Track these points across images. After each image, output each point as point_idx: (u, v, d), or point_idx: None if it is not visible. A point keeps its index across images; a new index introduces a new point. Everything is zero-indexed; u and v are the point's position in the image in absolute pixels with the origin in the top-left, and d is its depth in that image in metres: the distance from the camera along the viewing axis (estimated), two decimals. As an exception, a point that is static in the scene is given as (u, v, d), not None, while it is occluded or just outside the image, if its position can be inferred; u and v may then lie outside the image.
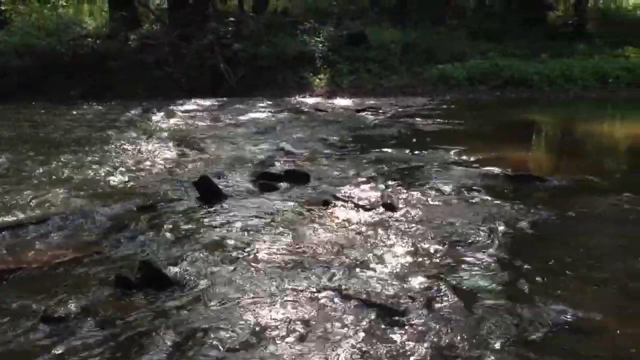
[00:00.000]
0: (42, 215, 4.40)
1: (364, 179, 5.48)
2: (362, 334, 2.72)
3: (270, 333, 2.73)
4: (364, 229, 4.13)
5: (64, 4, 17.83)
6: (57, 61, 13.27)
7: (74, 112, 10.64)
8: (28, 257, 3.66)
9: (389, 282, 3.27)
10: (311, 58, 14.06)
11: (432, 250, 3.73)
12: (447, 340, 2.67)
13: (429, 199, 4.82)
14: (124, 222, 4.29)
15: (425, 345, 2.63)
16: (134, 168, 6.08)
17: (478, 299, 3.06)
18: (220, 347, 2.62)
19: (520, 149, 7.51)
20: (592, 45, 15.91)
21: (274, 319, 2.86)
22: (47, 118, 9.93)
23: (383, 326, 2.79)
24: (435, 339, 2.68)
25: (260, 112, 10.35)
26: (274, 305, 3.00)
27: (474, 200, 4.79)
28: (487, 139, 8.07)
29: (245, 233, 4.06)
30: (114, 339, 2.70)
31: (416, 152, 6.71)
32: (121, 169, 6.02)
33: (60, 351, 2.61)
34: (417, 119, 9.40)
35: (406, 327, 2.78)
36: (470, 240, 3.89)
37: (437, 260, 3.58)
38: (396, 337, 2.70)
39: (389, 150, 6.91)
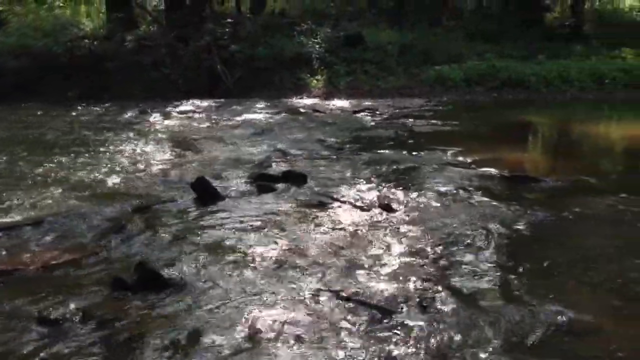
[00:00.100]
0: (38, 217, 4.39)
1: (361, 180, 5.48)
2: (358, 335, 2.72)
3: (266, 334, 2.73)
4: (361, 230, 4.13)
5: (61, 5, 17.79)
6: (53, 62, 13.24)
7: (71, 113, 10.62)
8: (24, 259, 3.66)
9: (386, 283, 3.27)
10: (308, 59, 14.05)
11: (428, 251, 3.74)
12: (443, 342, 2.67)
13: (426, 200, 4.82)
14: (121, 224, 4.29)
15: (422, 346, 2.63)
16: (130, 169, 6.08)
17: (474, 300, 3.07)
18: (216, 348, 2.62)
19: (516, 150, 7.52)
20: (589, 46, 15.93)
21: (270, 320, 2.85)
22: (43, 119, 9.91)
23: (379, 327, 2.79)
24: (431, 341, 2.68)
25: (258, 113, 10.34)
26: (270, 306, 3.00)
27: (470, 201, 4.80)
28: (484, 140, 8.08)
29: (242, 234, 4.06)
30: (110, 341, 2.70)
31: (413, 153, 6.72)
32: (118, 170, 6.02)
33: (56, 353, 2.60)
34: (414, 120, 9.40)
35: (402, 329, 2.78)
36: (466, 241, 3.89)
37: (434, 261, 3.58)
38: (392, 339, 2.69)
39: (386, 151, 6.91)
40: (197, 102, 11.88)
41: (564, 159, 7.38)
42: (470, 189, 5.15)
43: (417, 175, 5.72)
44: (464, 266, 3.51)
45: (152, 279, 3.22)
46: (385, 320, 2.85)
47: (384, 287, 3.21)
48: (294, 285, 3.24)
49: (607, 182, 5.72)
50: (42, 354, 2.60)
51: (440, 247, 3.80)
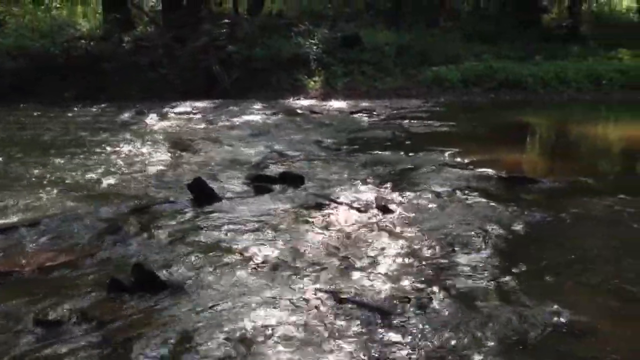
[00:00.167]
0: (34, 218, 4.38)
1: (359, 181, 5.48)
2: (356, 337, 2.71)
3: (263, 336, 2.72)
4: (358, 231, 4.13)
5: (58, 5, 17.77)
6: (50, 63, 13.20)
7: (68, 114, 10.59)
8: (20, 260, 3.64)
9: (383, 284, 3.27)
10: (305, 60, 14.04)
11: (426, 252, 3.73)
12: (441, 343, 2.67)
13: (423, 201, 4.82)
14: (117, 225, 4.28)
15: (419, 347, 2.63)
16: (127, 170, 6.06)
17: (471, 301, 3.06)
18: (213, 350, 2.61)
19: (514, 151, 7.53)
20: (586, 47, 15.96)
21: (267, 321, 2.85)
22: (40, 120, 9.88)
23: (377, 329, 2.79)
24: (429, 342, 2.67)
25: (255, 114, 10.33)
26: (267, 307, 2.99)
27: (467, 202, 4.80)
28: (481, 140, 8.08)
29: (239, 235, 4.05)
30: (107, 342, 2.69)
31: (410, 154, 6.71)
32: (114, 171, 6.00)
33: (53, 354, 2.59)
34: (411, 121, 9.40)
35: (400, 330, 2.78)
36: (464, 242, 3.89)
37: (431, 262, 3.58)
38: (390, 340, 2.69)
39: (383, 152, 6.91)
40: (194, 102, 11.85)
41: (561, 159, 7.39)
42: (468, 190, 5.15)
43: (415, 176, 5.72)
44: (461, 267, 3.50)
45: (149, 280, 3.21)
46: (382, 322, 2.84)
47: (381, 288, 3.20)
48: (291, 287, 3.23)
49: (604, 183, 5.73)
50: (38, 356, 2.59)
51: (438, 248, 3.79)
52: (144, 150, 7.14)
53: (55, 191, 5.15)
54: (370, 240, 3.93)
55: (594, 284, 3.31)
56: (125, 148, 7.23)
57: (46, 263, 3.58)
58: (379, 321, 2.85)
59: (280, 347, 2.63)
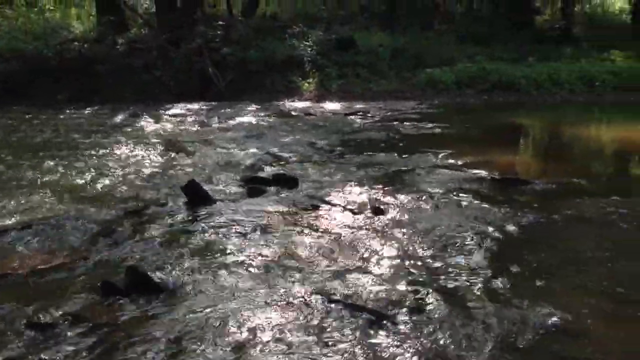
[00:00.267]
0: (27, 221, 4.36)
1: (353, 183, 5.48)
2: (350, 339, 2.71)
3: (258, 338, 2.72)
4: (352, 233, 4.13)
5: (51, 8, 17.74)
6: (44, 65, 13.18)
7: (61, 116, 10.56)
8: (13, 263, 3.63)
9: (377, 286, 3.27)
10: (300, 62, 14.06)
11: (420, 254, 3.74)
12: (434, 345, 2.67)
13: (417, 203, 4.83)
14: (111, 227, 4.26)
15: (413, 349, 2.63)
16: (121, 172, 6.04)
17: (465, 303, 3.07)
18: (207, 353, 2.61)
19: (507, 153, 7.56)
20: (579, 49, 16.05)
21: (261, 324, 2.85)
22: (32, 122, 9.85)
23: (371, 331, 2.79)
24: (423, 344, 2.68)
25: (249, 116, 10.33)
26: (261, 310, 2.99)
27: (461, 204, 4.81)
28: (475, 142, 8.10)
29: (233, 237, 4.05)
30: (100, 345, 2.68)
31: (404, 156, 6.72)
32: (108, 173, 5.98)
33: (46, 357, 2.58)
34: (405, 122, 9.42)
35: (394, 332, 2.78)
36: (457, 244, 3.90)
37: (425, 264, 3.58)
38: (384, 342, 2.69)
39: (378, 153, 6.92)
40: (189, 104, 11.85)
41: (554, 161, 7.41)
42: (461, 191, 5.16)
43: (408, 177, 5.73)
44: (455, 269, 3.51)
45: (143, 283, 3.20)
46: (377, 324, 2.84)
47: (376, 290, 3.20)
48: (285, 289, 3.23)
49: (597, 184, 5.76)
50: (31, 359, 2.58)
51: (432, 250, 3.80)
52: (138, 152, 7.12)
53: (48, 194, 5.13)
54: (363, 242, 3.93)
55: (587, 286, 3.32)
56: (119, 150, 7.21)
57: (39, 266, 3.57)
58: (372, 323, 2.85)
59: (274, 349, 2.63)
